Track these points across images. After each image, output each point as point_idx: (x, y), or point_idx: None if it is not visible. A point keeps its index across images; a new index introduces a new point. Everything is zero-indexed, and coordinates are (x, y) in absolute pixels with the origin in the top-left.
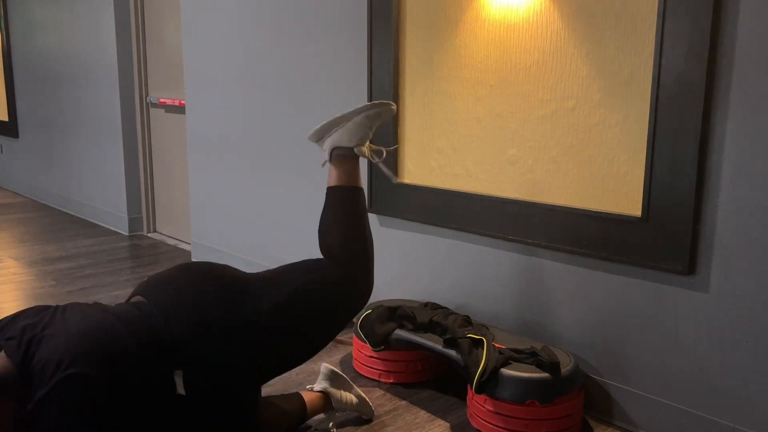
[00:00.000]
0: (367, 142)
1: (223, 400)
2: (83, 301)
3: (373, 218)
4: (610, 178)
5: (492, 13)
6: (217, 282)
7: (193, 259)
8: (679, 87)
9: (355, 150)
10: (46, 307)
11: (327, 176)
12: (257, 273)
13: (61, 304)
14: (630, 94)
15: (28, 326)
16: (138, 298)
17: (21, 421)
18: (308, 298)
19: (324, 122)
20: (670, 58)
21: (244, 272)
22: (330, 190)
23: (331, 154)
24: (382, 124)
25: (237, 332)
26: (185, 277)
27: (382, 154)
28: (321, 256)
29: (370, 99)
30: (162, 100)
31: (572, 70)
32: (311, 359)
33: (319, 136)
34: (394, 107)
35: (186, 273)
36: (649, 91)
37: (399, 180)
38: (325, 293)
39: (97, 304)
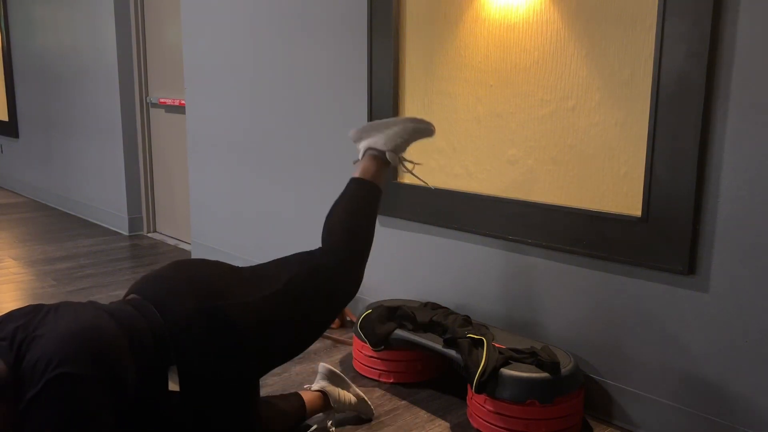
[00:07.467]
0: (401, 153)
1: (220, 397)
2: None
3: None
4: (610, 178)
5: (492, 13)
6: (210, 273)
7: None
8: (679, 87)
9: (387, 155)
10: (39, 307)
11: (329, 175)
12: (250, 266)
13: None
14: (630, 94)
15: (19, 327)
16: (132, 296)
17: (13, 422)
18: (301, 285)
19: (366, 124)
20: (670, 58)
21: (238, 266)
22: (352, 180)
23: (364, 153)
24: (417, 140)
25: (231, 320)
26: (179, 271)
27: (412, 166)
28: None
29: (370, 99)
30: (162, 100)
31: (572, 70)
32: (310, 359)
33: (359, 136)
34: (434, 129)
35: (180, 268)
36: (649, 91)
37: (398, 180)
38: (316, 281)
39: (90, 303)
